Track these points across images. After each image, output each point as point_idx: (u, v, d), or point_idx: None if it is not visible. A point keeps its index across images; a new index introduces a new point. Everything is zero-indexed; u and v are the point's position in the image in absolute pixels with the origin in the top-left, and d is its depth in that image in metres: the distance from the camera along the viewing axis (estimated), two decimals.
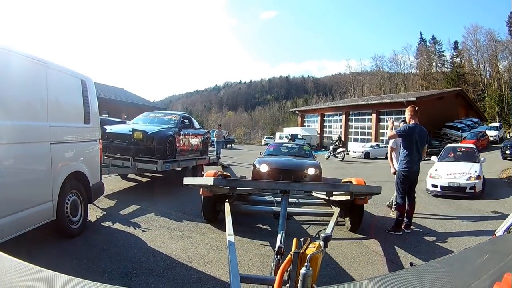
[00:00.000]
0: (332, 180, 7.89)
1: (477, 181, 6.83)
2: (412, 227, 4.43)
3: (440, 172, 7.26)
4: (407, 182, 4.22)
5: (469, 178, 6.84)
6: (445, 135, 23.71)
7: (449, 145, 10.12)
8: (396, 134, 4.29)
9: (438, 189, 6.98)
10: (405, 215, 4.26)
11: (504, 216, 3.64)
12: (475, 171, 7.04)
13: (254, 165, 6.89)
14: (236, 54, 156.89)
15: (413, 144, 4.16)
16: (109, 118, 11.79)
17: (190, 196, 5.64)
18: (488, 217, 5.31)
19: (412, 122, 4.25)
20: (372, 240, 3.89)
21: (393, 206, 4.90)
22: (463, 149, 8.75)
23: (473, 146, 9.44)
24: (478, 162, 7.55)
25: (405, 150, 4.22)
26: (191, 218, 4.47)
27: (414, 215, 4.47)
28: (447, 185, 6.90)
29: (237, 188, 3.87)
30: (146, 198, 5.62)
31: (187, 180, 3.71)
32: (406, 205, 4.26)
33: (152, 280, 2.63)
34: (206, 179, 3.29)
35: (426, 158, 5.41)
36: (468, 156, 8.09)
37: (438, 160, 7.98)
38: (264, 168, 6.55)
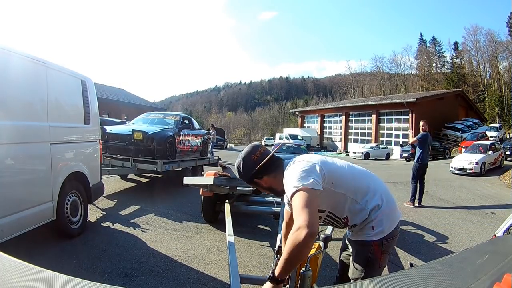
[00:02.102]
0: None
1: (475, 165, 10.56)
2: (411, 228, 4.48)
3: (458, 159, 11.52)
4: (420, 171, 5.92)
5: (470, 163, 10.67)
6: (445, 136, 23.74)
7: (475, 142, 13.76)
8: (417, 140, 5.89)
9: (453, 169, 11.10)
10: (417, 195, 5.95)
11: (504, 217, 3.64)
12: (475, 159, 10.76)
13: None
14: (236, 54, 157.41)
15: (426, 146, 5.85)
16: (109, 119, 11.80)
17: (190, 196, 5.64)
18: (488, 218, 5.31)
19: (425, 130, 5.91)
20: None
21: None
22: (479, 145, 12.38)
23: (487, 143, 12.74)
24: (485, 154, 11.31)
25: (420, 150, 5.86)
26: (191, 219, 4.47)
27: (415, 216, 5.16)
28: (458, 166, 11.01)
29: (237, 188, 3.87)
30: (146, 198, 5.61)
31: (187, 180, 3.69)
32: (418, 187, 5.95)
33: (152, 281, 2.63)
34: (206, 178, 3.26)
35: (430, 159, 6.66)
36: (481, 150, 11.73)
37: (464, 152, 12.36)
38: None
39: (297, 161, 1.44)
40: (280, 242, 2.57)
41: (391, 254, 1.66)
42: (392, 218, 1.49)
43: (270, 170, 1.50)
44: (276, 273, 1.23)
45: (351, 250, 1.63)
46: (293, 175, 1.35)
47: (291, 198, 1.30)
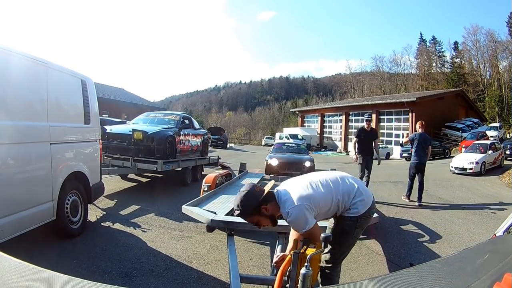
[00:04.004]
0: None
1: (475, 165, 10.50)
2: (411, 228, 4.50)
3: (458, 158, 11.49)
4: (413, 169, 6.13)
5: (470, 163, 10.60)
6: (445, 135, 23.71)
7: (475, 142, 13.70)
8: (409, 140, 6.37)
9: (453, 169, 11.03)
10: (417, 193, 6.05)
11: (504, 216, 3.64)
12: (475, 159, 10.68)
13: (266, 160, 9.06)
14: (235, 54, 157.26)
15: (418, 145, 6.08)
16: (109, 118, 11.80)
17: (190, 196, 5.61)
18: (488, 217, 5.31)
19: (420, 131, 6.23)
20: (372, 240, 3.89)
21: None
22: (480, 145, 12.28)
23: (488, 142, 12.67)
24: (485, 153, 11.20)
25: (415, 149, 6.14)
26: (191, 218, 4.43)
27: (415, 216, 5.17)
28: (458, 166, 10.94)
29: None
30: (146, 198, 5.61)
31: (185, 210, 3.64)
32: (414, 185, 6.16)
33: (152, 280, 2.63)
34: (204, 216, 3.21)
35: (429, 158, 6.79)
36: (481, 149, 11.62)
37: (464, 152, 12.34)
38: (274, 162, 8.65)
39: (291, 205, 1.79)
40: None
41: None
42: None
43: (271, 198, 1.85)
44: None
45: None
46: (299, 222, 1.79)
47: (304, 232, 1.79)
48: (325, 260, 1.97)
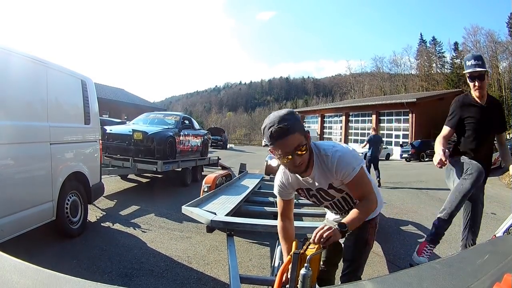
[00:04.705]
0: None
1: None
2: (411, 228, 4.51)
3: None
4: (370, 162, 8.13)
5: None
6: None
7: None
8: (366, 142, 8.40)
9: None
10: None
11: (503, 217, 3.63)
12: None
13: (266, 161, 8.86)
14: (235, 54, 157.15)
15: (374, 144, 8.27)
16: (109, 119, 11.81)
17: (190, 196, 5.61)
18: (488, 218, 5.31)
19: (373, 133, 8.54)
20: None
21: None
22: None
23: None
24: None
25: (371, 147, 8.27)
26: (191, 219, 4.42)
27: (415, 216, 5.21)
28: None
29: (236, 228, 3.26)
30: (146, 198, 5.62)
31: (185, 210, 3.64)
32: (377, 173, 8.16)
33: (152, 281, 2.63)
34: (204, 217, 3.20)
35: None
36: None
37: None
38: (274, 163, 8.32)
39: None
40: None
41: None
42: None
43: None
44: (349, 226, 1.46)
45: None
46: (348, 158, 1.47)
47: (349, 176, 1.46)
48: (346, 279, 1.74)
